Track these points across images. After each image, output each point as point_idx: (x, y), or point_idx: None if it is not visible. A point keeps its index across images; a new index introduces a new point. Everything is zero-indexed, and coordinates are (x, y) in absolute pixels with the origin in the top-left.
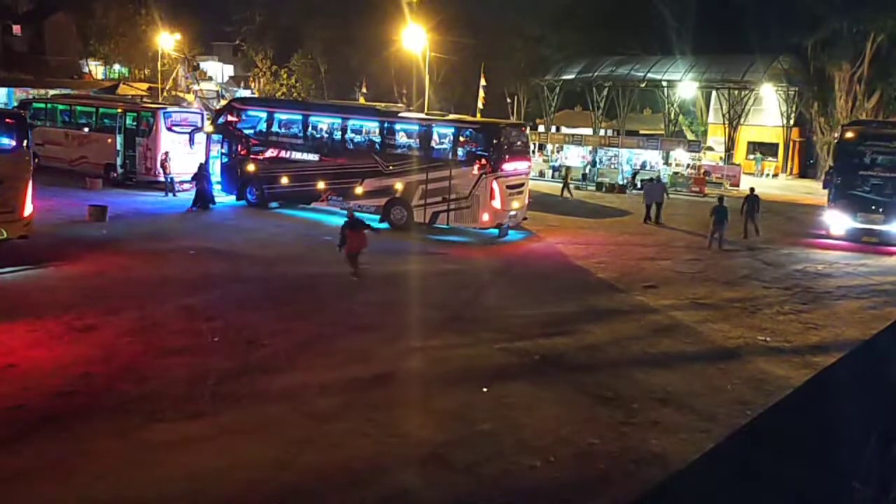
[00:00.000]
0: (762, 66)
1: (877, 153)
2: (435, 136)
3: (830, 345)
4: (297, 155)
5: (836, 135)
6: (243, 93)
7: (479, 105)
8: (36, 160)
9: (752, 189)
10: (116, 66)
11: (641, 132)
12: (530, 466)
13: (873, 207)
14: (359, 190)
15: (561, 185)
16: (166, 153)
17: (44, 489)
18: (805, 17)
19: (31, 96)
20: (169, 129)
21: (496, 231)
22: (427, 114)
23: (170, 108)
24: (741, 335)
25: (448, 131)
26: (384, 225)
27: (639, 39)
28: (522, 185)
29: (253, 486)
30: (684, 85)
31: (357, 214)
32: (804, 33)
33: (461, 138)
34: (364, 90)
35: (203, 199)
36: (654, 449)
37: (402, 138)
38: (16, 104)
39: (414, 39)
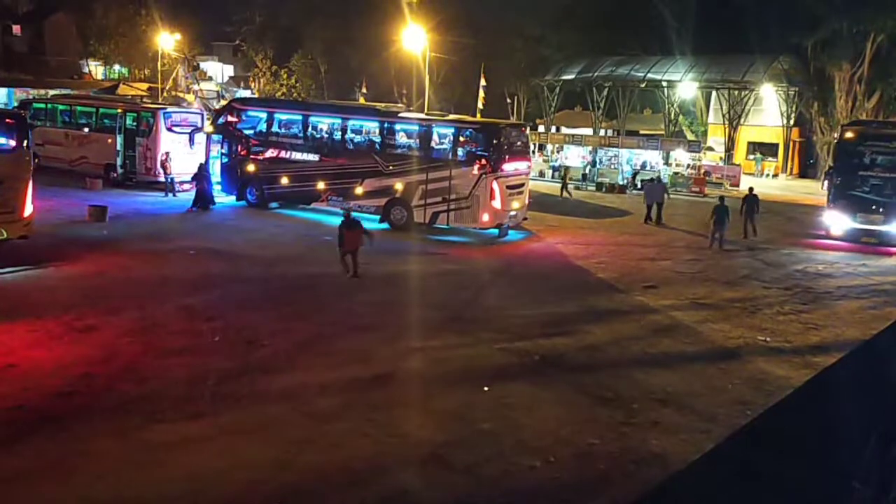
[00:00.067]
0: (762, 66)
1: (876, 153)
2: (435, 137)
3: (831, 345)
4: (297, 155)
5: (835, 135)
6: (243, 93)
7: (479, 105)
8: (36, 160)
9: (750, 189)
10: (116, 67)
11: (641, 132)
12: (530, 467)
13: (873, 208)
14: (359, 190)
15: (560, 186)
16: (167, 153)
17: (44, 489)
18: (805, 17)
19: (31, 96)
20: (169, 129)
21: (496, 231)
22: (427, 114)
23: (170, 109)
24: (741, 335)
25: (448, 131)
26: (384, 225)
27: (639, 39)
28: (522, 185)
29: (253, 487)
30: (684, 85)
31: (353, 214)
32: (804, 33)
33: (461, 138)
34: (364, 90)
35: (203, 199)
36: (655, 449)
37: (402, 138)
38: (16, 104)
39: (414, 39)
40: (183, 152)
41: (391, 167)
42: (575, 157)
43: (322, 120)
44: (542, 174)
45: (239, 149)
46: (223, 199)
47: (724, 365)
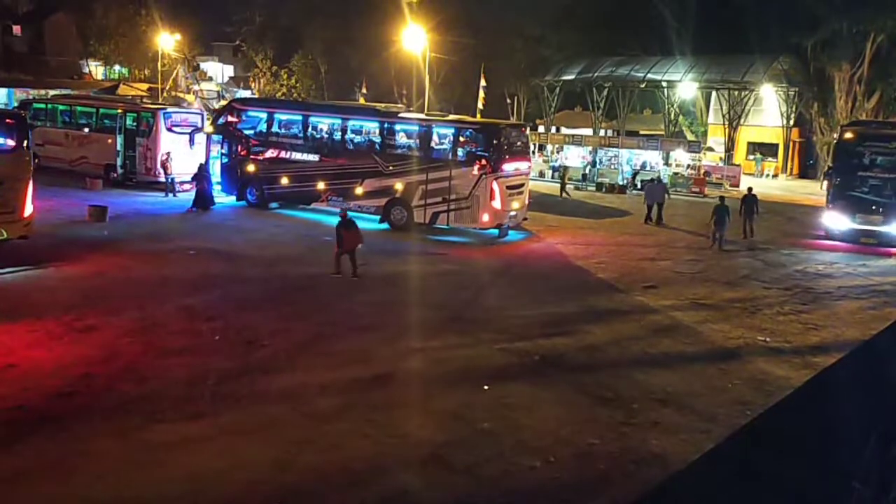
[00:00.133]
0: (762, 66)
1: (876, 154)
2: (435, 137)
3: (830, 345)
4: (298, 155)
5: (835, 135)
6: (243, 93)
7: (479, 105)
8: (36, 160)
9: (749, 189)
10: (116, 67)
11: (641, 132)
12: (530, 467)
13: (872, 208)
14: (359, 190)
15: (559, 186)
16: (168, 153)
17: (44, 489)
18: (805, 17)
19: (31, 97)
20: (169, 129)
21: (496, 231)
22: (427, 114)
23: (170, 109)
24: (741, 335)
25: (448, 132)
26: (384, 225)
27: (639, 40)
28: (522, 185)
29: (253, 487)
30: (684, 85)
31: (349, 214)
32: (804, 34)
33: (461, 139)
34: (364, 91)
35: (203, 199)
36: (655, 449)
37: (402, 139)
38: (16, 104)
39: (414, 40)
40: (183, 152)
41: (391, 167)
42: (575, 157)
43: (322, 120)
44: (542, 174)
45: (239, 149)
46: (223, 199)
47: (724, 365)
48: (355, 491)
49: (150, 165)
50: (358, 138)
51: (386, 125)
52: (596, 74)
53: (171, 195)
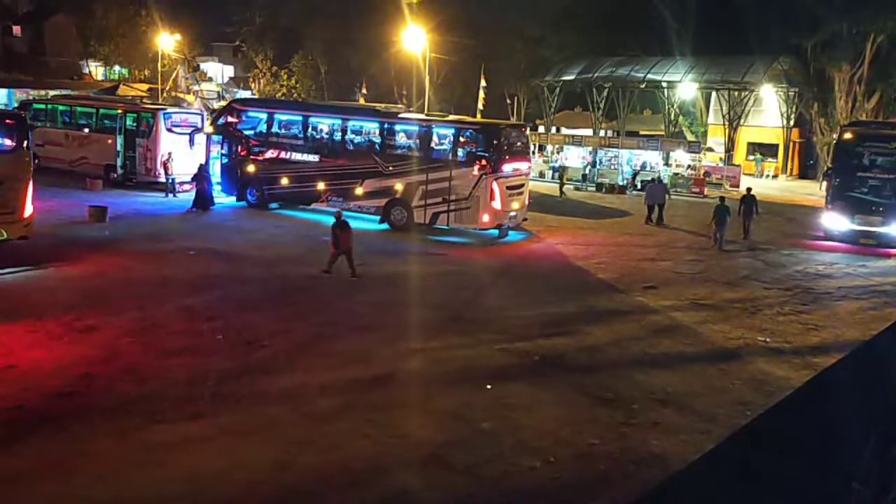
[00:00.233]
0: (762, 67)
1: (875, 154)
2: (435, 137)
3: (830, 345)
4: (298, 156)
5: (835, 136)
6: (243, 94)
7: (480, 106)
8: (36, 161)
9: (748, 190)
10: (116, 67)
11: (641, 133)
12: (530, 467)
13: (871, 209)
14: (359, 191)
15: (558, 186)
16: (169, 154)
17: (44, 489)
18: (805, 18)
19: (31, 97)
20: (169, 129)
21: (496, 232)
22: (427, 115)
23: (170, 109)
24: (741, 336)
25: (448, 132)
26: (384, 226)
27: (639, 40)
28: (522, 185)
29: (253, 487)
30: (684, 86)
31: (343, 215)
32: (804, 34)
33: (461, 139)
34: (364, 91)
35: (203, 199)
36: (655, 450)
37: (402, 139)
38: (16, 105)
39: (414, 40)
40: (183, 153)
41: (391, 168)
42: (575, 157)
43: (322, 121)
44: (542, 175)
45: (239, 149)
46: (223, 199)
47: (724, 365)
48: (355, 491)
49: (151, 166)
50: (358, 139)
51: (386, 125)
52: (596, 75)
53: (171, 195)
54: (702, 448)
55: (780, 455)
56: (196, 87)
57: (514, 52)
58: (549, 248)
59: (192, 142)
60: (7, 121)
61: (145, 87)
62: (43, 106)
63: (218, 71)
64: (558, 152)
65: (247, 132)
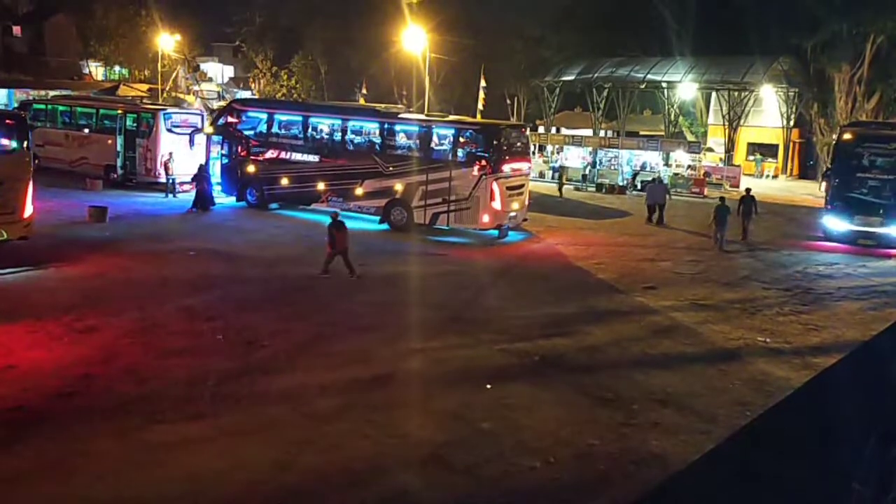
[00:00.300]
0: (762, 67)
1: (875, 155)
2: (435, 138)
3: (830, 346)
4: (298, 156)
5: (835, 136)
6: (243, 94)
7: (479, 106)
8: (36, 161)
9: (748, 190)
10: (116, 68)
11: (641, 133)
12: (530, 467)
13: (871, 210)
14: (359, 191)
15: (557, 186)
16: (170, 154)
17: (44, 490)
18: (805, 18)
19: (31, 97)
20: (169, 130)
21: (496, 232)
22: (427, 115)
23: (170, 110)
24: (741, 336)
25: (448, 132)
26: (384, 226)
27: (639, 40)
28: (522, 186)
29: (253, 487)
30: (684, 86)
31: (340, 215)
32: (804, 35)
33: (461, 139)
34: (364, 91)
35: (203, 200)
36: (655, 450)
37: (402, 139)
38: (16, 105)
39: (414, 40)
40: (183, 153)
41: (391, 168)
42: (575, 158)
43: (322, 121)
44: (541, 175)
45: (239, 150)
46: (223, 199)
47: (724, 366)
48: (355, 491)
49: (151, 166)
50: (358, 139)
51: (386, 126)
52: (596, 75)
53: (171, 196)
54: (702, 448)
55: (780, 455)
56: (196, 88)
57: (514, 53)
58: (549, 248)
59: (192, 142)
60: (7, 121)
61: (145, 87)
62: (43, 106)
63: (218, 71)
64: (558, 153)
65: (247, 132)
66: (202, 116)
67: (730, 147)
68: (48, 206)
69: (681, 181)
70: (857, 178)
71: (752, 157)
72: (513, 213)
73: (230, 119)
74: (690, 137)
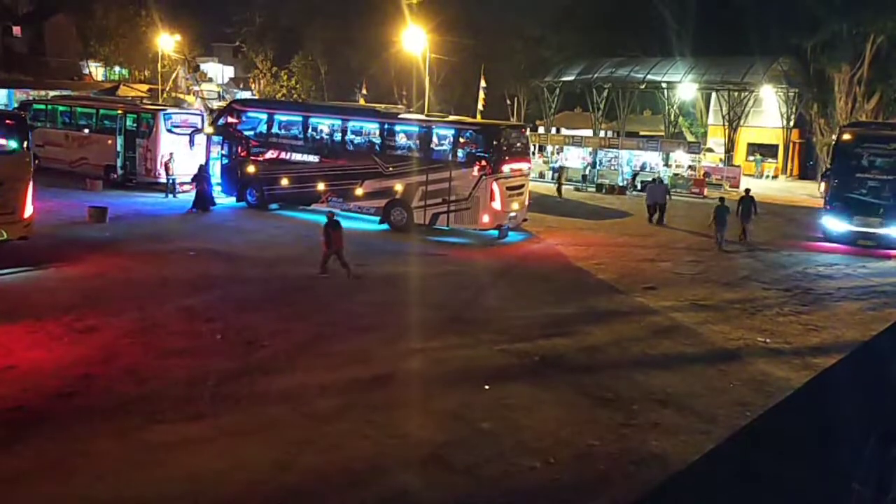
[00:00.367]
0: (762, 67)
1: (874, 155)
2: (435, 138)
3: (830, 346)
4: (298, 156)
5: (835, 136)
6: (243, 94)
7: (479, 106)
8: (36, 161)
9: (747, 191)
10: (117, 68)
11: (641, 133)
12: (530, 467)
13: (870, 210)
14: (359, 191)
15: (556, 187)
16: (171, 154)
17: (44, 490)
18: (805, 18)
19: (31, 98)
20: (169, 130)
21: (496, 232)
22: (427, 115)
23: (170, 110)
24: (741, 336)
25: (448, 133)
26: (384, 226)
27: (639, 41)
28: (522, 186)
29: (253, 487)
30: (684, 86)
31: (335, 215)
32: (804, 35)
33: (461, 140)
34: (364, 91)
35: (203, 200)
36: (655, 450)
37: (402, 140)
38: (16, 105)
39: (414, 41)
40: (183, 153)
41: (391, 168)
42: (575, 158)
43: (322, 121)
44: (541, 175)
45: (239, 150)
46: (223, 200)
47: (724, 366)
48: (355, 491)
49: (151, 166)
50: (358, 139)
51: (386, 126)
52: (596, 75)
53: (171, 196)
54: (702, 448)
55: (780, 455)
56: (196, 88)
57: (514, 53)
58: (548, 248)
59: (192, 142)
60: (7, 121)
61: (145, 87)
62: (43, 106)
63: (218, 71)
64: (558, 153)
65: (247, 133)
66: (202, 117)
67: (730, 147)
68: (48, 207)
69: (681, 181)
70: (857, 178)
71: (751, 158)
72: (513, 214)
73: (230, 119)
74: (690, 138)
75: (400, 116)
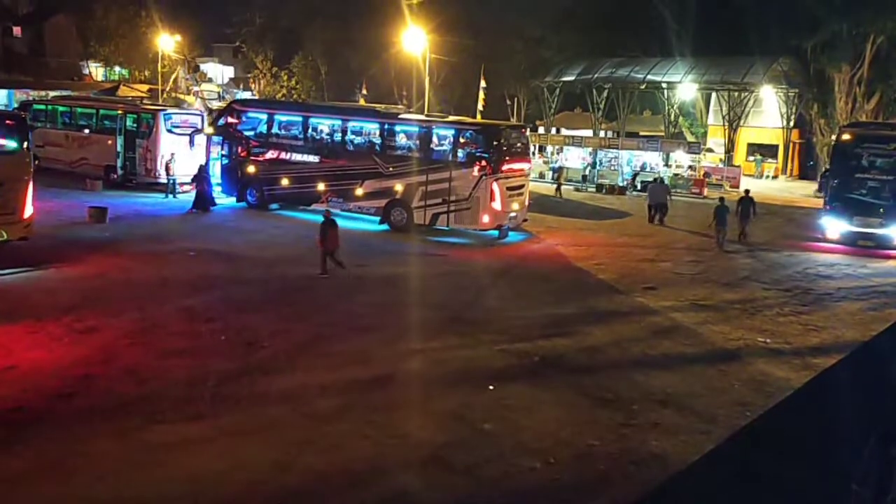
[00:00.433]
0: (762, 67)
1: (874, 156)
2: (435, 138)
3: (830, 346)
4: (298, 156)
5: (835, 136)
6: (243, 94)
7: (479, 107)
8: (36, 162)
9: (746, 192)
10: (117, 68)
11: (641, 134)
12: (530, 468)
13: (870, 211)
14: (359, 191)
15: (555, 187)
16: (172, 154)
17: (44, 490)
18: (805, 18)
19: (31, 98)
20: (169, 130)
21: (496, 233)
22: (427, 115)
23: (170, 110)
24: (741, 337)
25: (448, 133)
26: (384, 226)
27: (639, 41)
28: (522, 186)
29: (253, 488)
30: (684, 86)
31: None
32: (804, 35)
33: (461, 140)
34: (364, 92)
35: (203, 200)
36: (655, 450)
37: (402, 140)
38: (16, 106)
39: (414, 41)
40: (183, 154)
41: (391, 168)
42: (575, 158)
43: (322, 121)
44: (541, 175)
45: (239, 150)
46: (223, 200)
47: (724, 366)
48: (355, 492)
49: (151, 166)
50: (358, 139)
51: (386, 126)
52: (596, 76)
53: (171, 196)
54: (702, 449)
55: (780, 456)
56: (196, 88)
57: (514, 53)
58: (548, 248)
59: (192, 143)
60: (7, 121)
61: (145, 87)
62: (43, 107)
63: (218, 72)
64: (558, 153)
65: (247, 133)
66: (202, 117)
67: (730, 147)
68: (48, 207)
69: (681, 182)
70: (856, 178)
71: (751, 158)
72: (513, 214)
73: (230, 119)
74: (690, 138)
75: (400, 117)
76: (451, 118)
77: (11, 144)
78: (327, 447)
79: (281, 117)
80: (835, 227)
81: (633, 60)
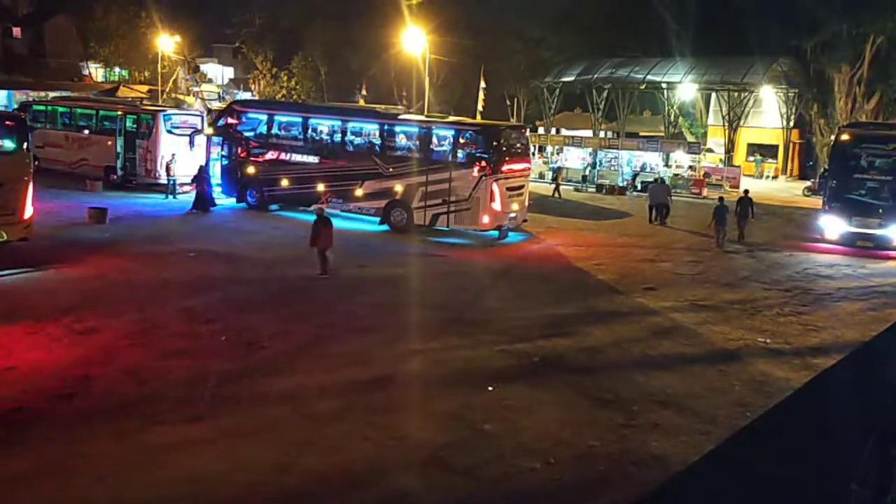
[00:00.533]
0: (762, 67)
1: (873, 156)
2: (435, 139)
3: (830, 346)
4: (298, 157)
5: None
6: (243, 95)
7: (479, 107)
8: (36, 162)
9: (745, 192)
10: (116, 69)
11: (641, 134)
12: (530, 469)
13: (869, 211)
14: (359, 192)
15: (553, 187)
16: (172, 155)
17: (44, 491)
18: (805, 19)
19: (31, 99)
20: (169, 131)
21: (496, 233)
22: (427, 116)
23: (170, 111)
24: (741, 337)
25: (448, 133)
26: (384, 227)
27: (639, 41)
28: (522, 187)
29: (253, 489)
30: (684, 87)
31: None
32: (804, 35)
33: (461, 140)
34: (364, 92)
35: (203, 201)
36: (655, 451)
37: (401, 140)
38: (16, 106)
39: (414, 42)
40: (183, 154)
41: (391, 169)
42: (575, 158)
43: (322, 122)
44: (541, 176)
45: (239, 151)
46: (223, 200)
47: (724, 367)
48: (355, 493)
49: (151, 167)
50: (358, 140)
51: (386, 127)
52: (596, 76)
53: (171, 197)
54: (702, 449)
55: (779, 456)
56: (196, 89)
57: (514, 54)
58: (548, 249)
59: (192, 143)
60: (7, 122)
61: (145, 88)
62: (43, 107)
63: (218, 72)
64: (558, 153)
65: (247, 134)
66: (202, 118)
67: (730, 148)
68: (48, 208)
69: (681, 182)
70: (855, 179)
71: (751, 158)
72: (513, 214)
73: (230, 120)
74: (690, 138)
75: (400, 117)
76: (451, 119)
77: (11, 145)
78: (327, 448)
79: (281, 118)
80: (834, 227)
81: (633, 61)
